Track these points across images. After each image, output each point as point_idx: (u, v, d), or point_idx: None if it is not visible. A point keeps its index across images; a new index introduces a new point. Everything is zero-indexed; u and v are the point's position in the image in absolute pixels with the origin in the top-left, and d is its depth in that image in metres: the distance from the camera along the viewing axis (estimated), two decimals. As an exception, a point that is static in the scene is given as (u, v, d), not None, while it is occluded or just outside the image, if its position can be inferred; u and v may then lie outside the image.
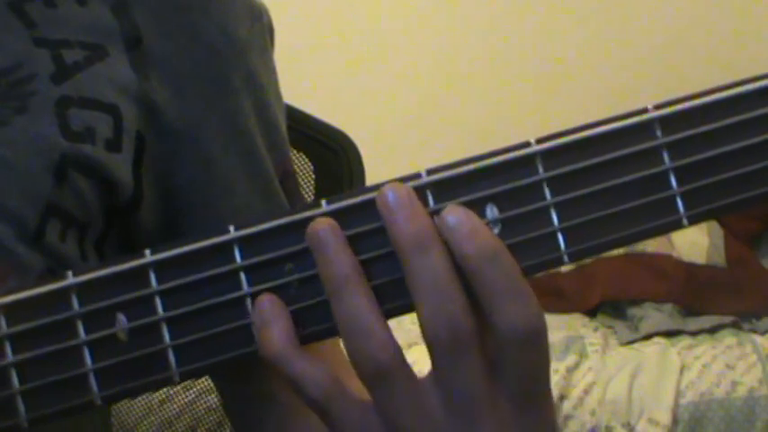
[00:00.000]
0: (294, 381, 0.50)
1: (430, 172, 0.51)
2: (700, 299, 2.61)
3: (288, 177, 0.78)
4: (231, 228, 0.52)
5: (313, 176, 1.01)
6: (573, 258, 0.50)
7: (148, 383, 0.51)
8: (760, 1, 2.70)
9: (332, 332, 0.51)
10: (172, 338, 0.51)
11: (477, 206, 0.50)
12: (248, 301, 0.51)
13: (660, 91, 2.56)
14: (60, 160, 0.67)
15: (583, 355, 2.33)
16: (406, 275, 0.50)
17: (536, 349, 0.50)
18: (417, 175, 0.51)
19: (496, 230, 0.50)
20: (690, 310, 2.59)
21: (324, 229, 0.50)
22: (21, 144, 0.66)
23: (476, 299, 0.50)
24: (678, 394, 2.24)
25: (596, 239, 0.49)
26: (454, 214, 0.50)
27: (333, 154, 0.99)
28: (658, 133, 0.49)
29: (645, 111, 0.50)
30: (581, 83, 2.68)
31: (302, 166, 1.01)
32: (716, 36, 2.67)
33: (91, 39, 0.70)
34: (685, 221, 0.49)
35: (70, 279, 0.52)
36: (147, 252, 0.52)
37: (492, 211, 0.50)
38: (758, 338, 2.41)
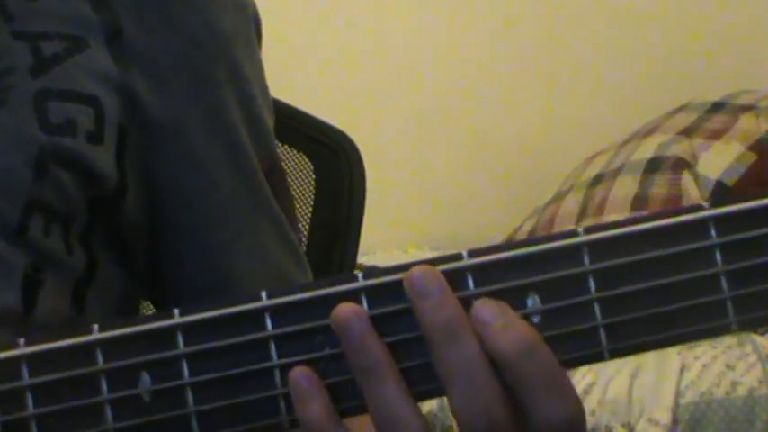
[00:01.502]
0: None
1: (472, 254, 0.49)
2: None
3: (274, 172, 0.77)
4: (263, 294, 0.51)
5: (313, 176, 1.01)
6: (614, 355, 0.48)
7: (169, 447, 0.50)
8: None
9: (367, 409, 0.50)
10: (196, 403, 0.51)
11: (518, 294, 0.49)
12: (277, 371, 0.50)
13: (669, 96, 2.53)
14: (39, 154, 0.66)
15: (585, 354, 2.32)
16: (435, 363, 0.49)
17: None
18: (458, 256, 0.49)
19: (536, 320, 0.49)
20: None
21: (348, 316, 0.49)
22: (0, 139, 0.66)
23: (511, 389, 0.48)
24: (678, 394, 2.23)
25: (639, 338, 0.48)
26: (487, 308, 0.48)
27: (333, 154, 0.99)
28: (713, 233, 0.48)
29: (700, 208, 0.48)
30: (586, 85, 2.65)
31: (302, 166, 1.01)
32: (721, 40, 2.64)
33: (71, 31, 0.69)
34: (734, 326, 0.47)
35: (96, 334, 0.51)
36: (176, 312, 0.51)
37: (533, 301, 0.49)
38: (758, 338, 2.41)
